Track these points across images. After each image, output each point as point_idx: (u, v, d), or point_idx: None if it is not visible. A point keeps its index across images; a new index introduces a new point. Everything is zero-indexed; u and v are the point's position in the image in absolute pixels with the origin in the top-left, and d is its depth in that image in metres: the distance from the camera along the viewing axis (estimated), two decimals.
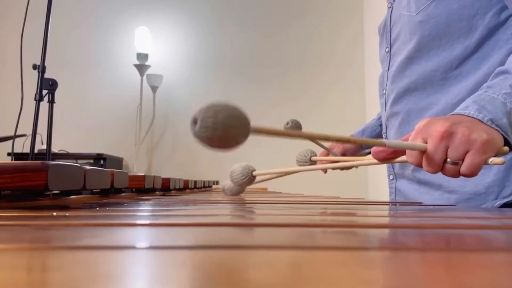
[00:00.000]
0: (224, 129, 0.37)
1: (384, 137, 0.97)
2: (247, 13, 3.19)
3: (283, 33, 3.15)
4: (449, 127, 0.55)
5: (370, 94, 3.01)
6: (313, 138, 0.44)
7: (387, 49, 0.95)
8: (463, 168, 0.54)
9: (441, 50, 0.81)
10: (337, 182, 2.20)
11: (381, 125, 1.13)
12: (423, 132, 0.56)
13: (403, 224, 0.38)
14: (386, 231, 0.31)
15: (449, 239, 0.27)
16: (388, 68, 0.93)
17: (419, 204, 0.71)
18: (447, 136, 0.54)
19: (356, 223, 0.37)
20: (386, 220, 0.40)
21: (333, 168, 1.04)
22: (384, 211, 0.53)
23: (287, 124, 0.97)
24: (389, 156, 0.58)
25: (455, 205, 0.71)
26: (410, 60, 0.86)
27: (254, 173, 0.80)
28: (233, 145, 0.39)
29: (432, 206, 0.62)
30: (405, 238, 0.29)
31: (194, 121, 0.37)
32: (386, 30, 0.95)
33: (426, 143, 0.55)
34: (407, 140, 0.59)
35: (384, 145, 0.55)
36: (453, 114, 0.61)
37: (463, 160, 0.54)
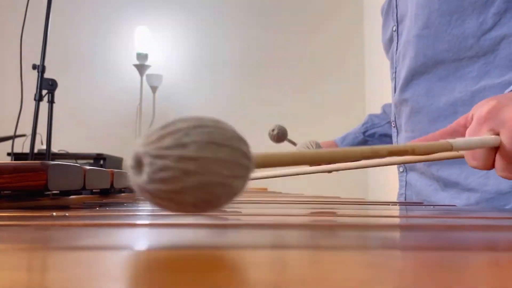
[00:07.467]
0: (205, 176, 0.20)
1: (393, 125, 0.89)
2: (247, 12, 3.19)
3: (283, 32, 3.15)
4: None
5: (370, 94, 3.01)
6: (351, 159, 0.32)
7: (394, 28, 0.85)
8: None
9: (452, 28, 0.71)
10: (337, 182, 2.20)
11: (364, 132, 1.08)
12: (490, 121, 0.42)
13: (404, 224, 0.38)
14: (386, 231, 0.31)
15: (450, 240, 0.27)
16: (396, 49, 0.85)
17: (420, 204, 0.70)
18: None
19: (357, 223, 0.37)
20: (386, 220, 0.40)
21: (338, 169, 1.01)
22: (384, 211, 0.53)
23: (273, 130, 0.94)
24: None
25: (455, 205, 0.70)
26: (417, 38, 0.76)
27: None
28: (219, 204, 0.23)
29: (432, 206, 0.62)
30: (406, 238, 0.29)
31: (138, 164, 0.21)
32: (391, 6, 0.86)
33: (497, 135, 0.41)
34: (440, 136, 0.46)
35: (451, 147, 0.39)
36: None
37: None
